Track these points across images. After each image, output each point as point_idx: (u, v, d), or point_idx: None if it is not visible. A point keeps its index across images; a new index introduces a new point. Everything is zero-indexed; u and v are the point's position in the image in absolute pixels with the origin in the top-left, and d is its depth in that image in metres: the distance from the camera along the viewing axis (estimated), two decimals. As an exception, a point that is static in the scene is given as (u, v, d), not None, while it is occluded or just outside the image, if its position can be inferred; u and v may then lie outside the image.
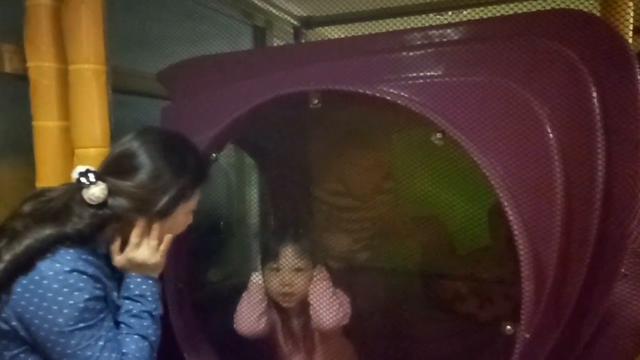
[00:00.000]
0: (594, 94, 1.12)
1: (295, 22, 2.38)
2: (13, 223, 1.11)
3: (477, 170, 1.13)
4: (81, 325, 1.05)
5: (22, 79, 1.38)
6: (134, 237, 1.17)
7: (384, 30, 1.35)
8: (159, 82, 1.57)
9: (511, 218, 1.06)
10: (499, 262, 1.41)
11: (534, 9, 1.21)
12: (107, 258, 1.18)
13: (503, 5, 1.66)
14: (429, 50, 1.24)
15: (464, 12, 1.90)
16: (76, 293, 1.05)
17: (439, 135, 1.14)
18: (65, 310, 1.03)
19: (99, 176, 1.14)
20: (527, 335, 1.06)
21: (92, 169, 1.15)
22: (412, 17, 1.88)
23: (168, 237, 1.21)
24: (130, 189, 1.14)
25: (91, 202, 1.12)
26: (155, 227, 1.18)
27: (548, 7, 1.20)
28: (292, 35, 2.43)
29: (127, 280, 1.18)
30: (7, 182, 1.44)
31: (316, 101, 1.25)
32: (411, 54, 1.24)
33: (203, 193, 1.70)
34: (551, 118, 1.14)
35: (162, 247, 1.20)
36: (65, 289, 1.04)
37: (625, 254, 1.14)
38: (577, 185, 1.13)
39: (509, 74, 1.18)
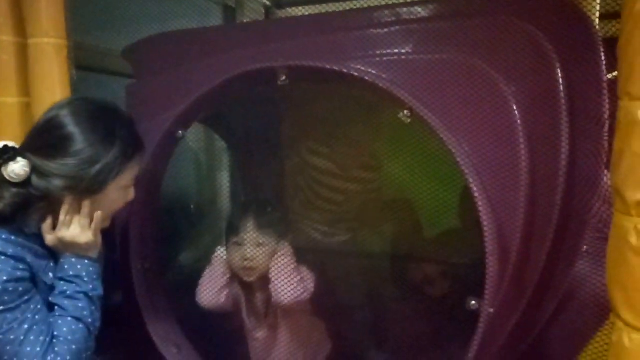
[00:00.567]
0: (559, 73, 1.13)
1: (266, 2, 2.35)
2: None
3: (444, 149, 1.13)
4: (1, 308, 1.01)
5: (-21, 54, 1.34)
6: (62, 215, 1.11)
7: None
8: (124, 59, 1.53)
9: (476, 194, 1.06)
10: (467, 244, 1.43)
11: (501, -12, 1.21)
12: (40, 237, 1.13)
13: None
14: (397, 27, 1.23)
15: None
16: None
17: (406, 112, 1.14)
18: None
19: (20, 152, 1.08)
20: (492, 310, 1.07)
21: (11, 144, 1.09)
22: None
23: (98, 214, 1.14)
24: (56, 165, 1.07)
25: (12, 180, 1.06)
26: (86, 205, 1.12)
27: (515, -13, 1.20)
28: (263, 15, 2.40)
29: (62, 260, 1.13)
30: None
31: (284, 77, 1.23)
32: (379, 31, 1.24)
33: (172, 174, 1.69)
34: (517, 96, 1.15)
35: (93, 225, 1.14)
36: None
37: (587, 231, 1.17)
38: (541, 163, 1.14)
39: (476, 52, 1.18)
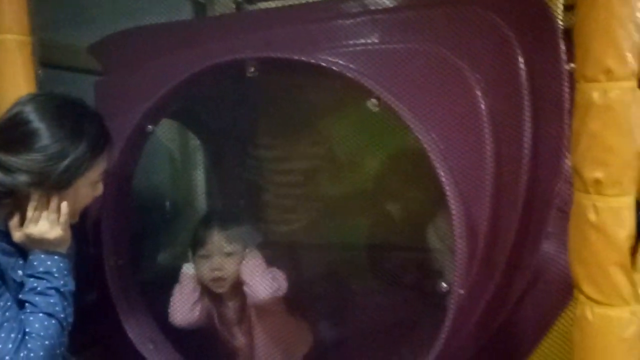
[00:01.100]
0: (521, 61, 1.17)
1: (237, -2, 2.34)
2: None
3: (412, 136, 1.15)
4: None
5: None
6: (30, 211, 1.09)
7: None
8: (91, 55, 1.52)
9: (443, 179, 1.09)
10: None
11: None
12: (7, 234, 1.12)
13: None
14: (364, 18, 1.25)
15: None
16: None
17: (374, 100, 1.16)
18: None
19: None
20: (462, 292, 1.10)
21: None
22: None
23: (64, 207, 1.12)
24: (21, 160, 1.06)
25: None
26: (54, 200, 1.11)
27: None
28: (233, 10, 2.39)
29: (31, 257, 1.11)
30: None
31: (252, 69, 1.24)
32: (347, 22, 1.25)
33: (144, 171, 1.68)
34: (481, 83, 1.18)
35: (62, 220, 1.12)
36: None
37: (551, 212, 1.21)
38: (506, 148, 1.18)
39: (441, 41, 1.21)
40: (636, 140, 0.89)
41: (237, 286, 1.45)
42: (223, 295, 1.49)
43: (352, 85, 1.19)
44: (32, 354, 1.04)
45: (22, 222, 1.12)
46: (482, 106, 1.16)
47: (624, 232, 0.89)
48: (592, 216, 0.91)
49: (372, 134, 1.32)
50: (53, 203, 1.11)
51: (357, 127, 1.35)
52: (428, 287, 1.17)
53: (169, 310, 1.47)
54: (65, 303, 1.12)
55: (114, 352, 1.49)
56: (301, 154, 1.51)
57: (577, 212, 0.94)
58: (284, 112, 1.44)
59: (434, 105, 1.18)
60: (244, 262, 1.44)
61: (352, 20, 1.25)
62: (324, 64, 1.18)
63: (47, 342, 1.06)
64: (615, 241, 0.89)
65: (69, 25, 1.72)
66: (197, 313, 1.47)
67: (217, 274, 1.44)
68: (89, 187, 1.17)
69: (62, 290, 1.11)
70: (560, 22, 1.17)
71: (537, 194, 1.19)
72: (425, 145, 1.11)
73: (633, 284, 0.90)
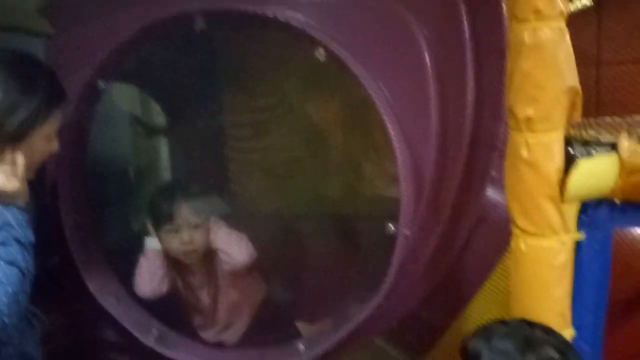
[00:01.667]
0: (463, 7, 1.20)
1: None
2: None
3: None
4: None
5: None
6: None
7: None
8: (40, 14, 1.50)
9: (388, 125, 1.12)
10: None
11: None
12: None
13: None
14: (312, -30, 1.26)
15: None
16: None
17: (321, 50, 1.18)
18: None
19: None
20: (408, 232, 1.14)
21: None
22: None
23: (20, 159, 1.11)
24: None
25: None
26: (9, 152, 1.11)
27: None
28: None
29: None
30: None
31: (201, 23, 1.24)
32: (295, -26, 1.26)
33: (104, 135, 1.67)
34: (425, 31, 1.20)
35: (19, 171, 1.12)
36: None
37: (495, 157, 1.25)
38: (450, 95, 1.21)
39: (386, -7, 1.23)
40: (565, 78, 0.93)
41: (204, 254, 1.50)
42: (190, 263, 1.53)
43: (301, 37, 1.21)
44: None
45: None
46: (427, 54, 1.19)
47: (554, 165, 0.94)
48: (524, 152, 0.95)
49: (320, 85, 1.34)
50: (9, 155, 1.12)
51: (306, 79, 1.37)
52: (377, 231, 1.21)
53: (136, 283, 1.49)
54: (26, 253, 1.13)
55: (79, 310, 1.51)
56: (253, 107, 1.53)
57: (511, 150, 0.99)
58: (235, 66, 1.45)
59: (380, 54, 1.20)
60: (213, 231, 1.48)
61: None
62: (271, 15, 1.19)
63: (10, 289, 1.07)
64: (545, 175, 0.94)
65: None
66: (165, 286, 1.50)
67: (187, 247, 1.47)
68: (44, 141, 1.17)
69: (22, 241, 1.12)
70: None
71: (481, 139, 1.23)
72: (371, 92, 1.13)
73: (562, 215, 0.95)
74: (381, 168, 1.38)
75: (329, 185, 1.50)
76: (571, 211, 0.96)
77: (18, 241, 1.11)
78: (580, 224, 0.98)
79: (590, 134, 0.96)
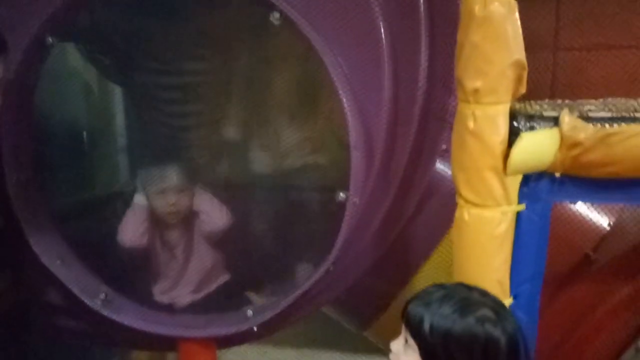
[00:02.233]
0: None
1: None
2: None
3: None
4: None
5: None
6: None
7: None
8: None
9: (340, 92, 1.12)
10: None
11: None
12: None
13: None
14: None
15: None
16: None
17: (276, 14, 1.16)
18: None
19: None
20: (357, 200, 1.16)
21: None
22: None
23: None
24: None
25: None
26: None
27: None
28: None
29: None
30: None
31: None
32: None
33: (53, 95, 1.62)
34: (381, 2, 1.20)
35: None
36: None
37: (445, 130, 1.27)
38: (403, 65, 1.22)
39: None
40: (512, 51, 0.95)
41: (185, 216, 1.59)
42: (171, 223, 1.60)
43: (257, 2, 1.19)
44: None
45: None
46: (381, 24, 1.19)
47: (498, 138, 0.96)
48: (470, 124, 0.97)
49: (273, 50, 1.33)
50: None
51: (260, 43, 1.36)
52: (328, 198, 1.22)
53: (120, 233, 1.56)
54: None
55: (23, 270, 1.48)
56: (201, 70, 1.51)
57: (458, 121, 1.00)
58: (189, 27, 1.42)
59: (334, 23, 1.19)
60: (198, 194, 1.57)
61: None
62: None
63: None
64: (490, 147, 0.96)
65: None
66: (145, 239, 1.59)
67: (173, 209, 1.56)
68: None
69: None
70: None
71: (432, 112, 1.25)
72: (325, 59, 1.13)
73: (504, 186, 0.98)
74: (333, 136, 1.39)
75: (279, 152, 1.50)
76: (514, 183, 0.99)
77: None
78: (521, 196, 1.00)
79: (535, 108, 0.98)
